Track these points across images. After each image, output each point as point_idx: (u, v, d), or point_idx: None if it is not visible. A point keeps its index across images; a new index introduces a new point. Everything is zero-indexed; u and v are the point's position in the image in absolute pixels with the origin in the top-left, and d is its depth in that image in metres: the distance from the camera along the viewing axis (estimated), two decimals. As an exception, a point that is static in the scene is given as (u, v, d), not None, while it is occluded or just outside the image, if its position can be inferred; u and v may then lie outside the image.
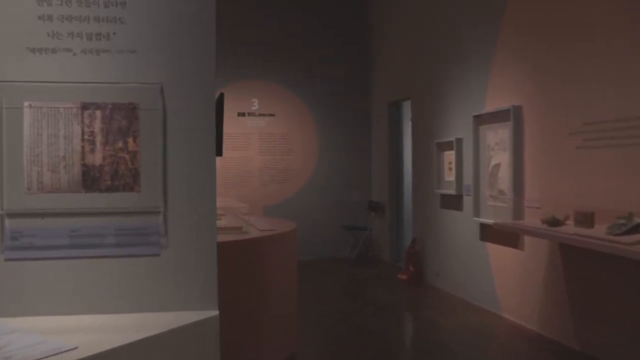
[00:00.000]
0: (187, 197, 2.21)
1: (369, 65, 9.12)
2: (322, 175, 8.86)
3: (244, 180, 8.64)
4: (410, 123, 7.81)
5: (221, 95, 2.53)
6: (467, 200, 5.99)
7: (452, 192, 6.27)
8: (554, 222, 4.17)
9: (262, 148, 8.74)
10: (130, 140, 2.14)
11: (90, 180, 2.11)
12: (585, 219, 3.92)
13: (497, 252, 5.49)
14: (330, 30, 8.99)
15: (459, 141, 6.19)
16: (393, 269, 7.87)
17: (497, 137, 5.40)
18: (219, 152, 2.58)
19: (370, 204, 8.84)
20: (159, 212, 2.17)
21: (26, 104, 2.06)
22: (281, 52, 8.77)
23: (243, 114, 8.70)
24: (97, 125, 2.12)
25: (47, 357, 1.64)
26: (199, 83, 2.27)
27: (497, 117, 5.38)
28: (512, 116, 5.10)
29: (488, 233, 5.59)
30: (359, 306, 6.11)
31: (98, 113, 2.12)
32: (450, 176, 6.39)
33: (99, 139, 2.12)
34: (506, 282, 5.34)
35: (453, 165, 6.28)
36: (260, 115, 8.75)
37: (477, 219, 5.71)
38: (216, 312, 2.15)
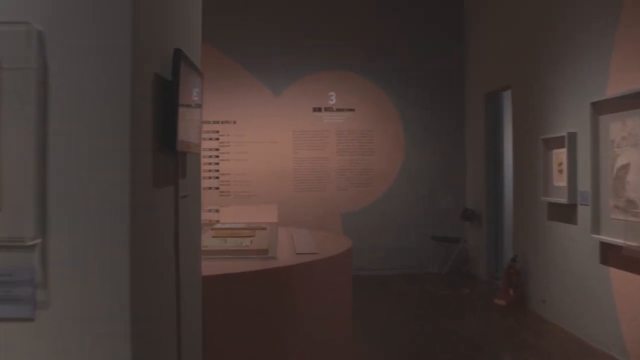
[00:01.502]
0: (84, 220, 1.29)
1: (463, 52, 7.91)
2: (409, 178, 7.75)
3: (319, 184, 7.73)
4: (510, 116, 6.56)
5: (176, 55, 1.58)
6: (584, 212, 4.72)
7: (563, 200, 5.01)
8: None
9: (340, 147, 7.78)
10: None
11: None
12: None
13: (624, 282, 4.18)
14: (419, 14, 7.88)
15: (572, 136, 4.92)
16: (490, 289, 6.64)
17: (625, 130, 4.11)
18: (171, 145, 1.64)
19: (465, 212, 7.63)
20: (31, 247, 1.27)
21: None
22: (362, 40, 7.78)
23: (319, 109, 7.79)
24: None
25: None
26: (113, 27, 1.33)
27: (624, 103, 4.09)
28: (646, 101, 3.82)
29: (612, 255, 4.31)
30: (441, 339, 4.98)
31: None
32: (560, 180, 5.12)
33: None
34: (637, 322, 4.04)
35: (564, 167, 5.01)
36: (338, 110, 7.80)
37: (597, 236, 4.43)
38: None
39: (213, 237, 3.42)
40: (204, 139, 7.59)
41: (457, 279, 7.33)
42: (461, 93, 7.93)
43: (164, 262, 1.67)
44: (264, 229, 3.90)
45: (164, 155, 1.63)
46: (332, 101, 7.79)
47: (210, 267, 2.51)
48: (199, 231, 2.26)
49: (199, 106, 2.14)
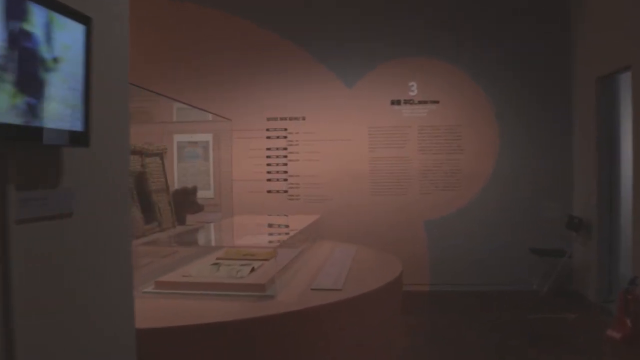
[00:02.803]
0: None
1: (567, 30, 6.70)
2: (504, 181, 6.69)
3: (399, 187, 6.81)
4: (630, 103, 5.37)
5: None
6: None
7: None
8: None
9: (422, 145, 6.82)
10: None
11: None
12: None
13: None
14: (516, -14, 6.75)
15: None
16: (600, 316, 5.53)
17: None
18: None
19: (570, 221, 6.48)
20: None
21: None
22: (448, 21, 6.74)
23: (398, 102, 6.85)
24: None
25: None
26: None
27: None
28: None
29: None
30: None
31: None
32: None
33: None
34: None
35: None
36: (420, 102, 6.83)
37: None
38: None
39: (214, 263, 2.62)
40: (270, 137, 6.88)
41: (560, 300, 6.23)
42: (567, 78, 6.72)
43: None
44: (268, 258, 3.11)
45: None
46: (413, 92, 6.82)
47: (167, 313, 1.75)
48: (126, 269, 1.48)
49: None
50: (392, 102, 6.84)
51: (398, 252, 6.85)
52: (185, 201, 3.63)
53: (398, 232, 6.70)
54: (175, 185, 7.20)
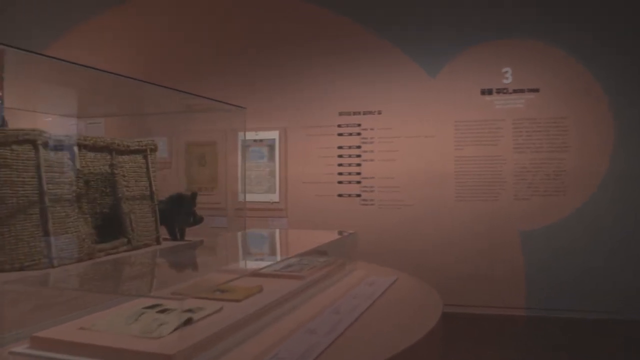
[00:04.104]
0: None
1: None
2: (619, 184, 5.51)
3: (490, 191, 5.81)
4: None
5: None
6: None
7: None
8: None
9: (518, 142, 5.77)
10: None
11: None
12: None
13: None
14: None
15: None
16: None
17: None
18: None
19: None
20: None
21: None
22: (550, -7, 5.69)
23: (489, 91, 5.85)
24: None
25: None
26: None
27: None
28: None
29: None
30: None
31: None
32: None
33: None
34: None
35: None
36: (515, 92, 5.79)
37: None
38: None
39: (147, 306, 1.76)
40: (342, 134, 6.11)
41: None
42: None
43: None
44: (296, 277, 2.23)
45: None
46: (508, 80, 5.79)
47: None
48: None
49: None
50: (483, 92, 5.85)
51: (487, 268, 5.88)
52: (180, 211, 2.91)
53: (487, 245, 5.71)
54: (240, 192, 6.58)
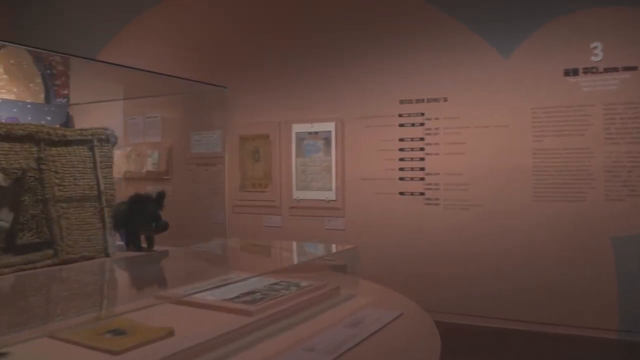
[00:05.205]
0: None
1: None
2: None
3: (575, 190, 4.92)
4: None
5: None
6: None
7: None
8: None
9: (610, 132, 4.82)
10: None
11: None
12: None
13: None
14: None
15: None
16: None
17: None
18: None
19: None
20: None
21: None
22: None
23: (574, 72, 4.93)
24: None
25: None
26: None
27: None
28: None
29: None
30: None
31: None
32: None
33: None
34: None
35: None
36: (606, 71, 4.83)
37: None
38: None
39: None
40: (404, 125, 5.46)
41: None
42: None
43: None
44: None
45: None
46: (597, 57, 4.84)
47: None
48: None
49: None
50: (566, 73, 4.94)
51: (571, 281, 4.97)
52: (140, 216, 2.44)
53: (572, 253, 4.85)
54: (294, 190, 6.09)
